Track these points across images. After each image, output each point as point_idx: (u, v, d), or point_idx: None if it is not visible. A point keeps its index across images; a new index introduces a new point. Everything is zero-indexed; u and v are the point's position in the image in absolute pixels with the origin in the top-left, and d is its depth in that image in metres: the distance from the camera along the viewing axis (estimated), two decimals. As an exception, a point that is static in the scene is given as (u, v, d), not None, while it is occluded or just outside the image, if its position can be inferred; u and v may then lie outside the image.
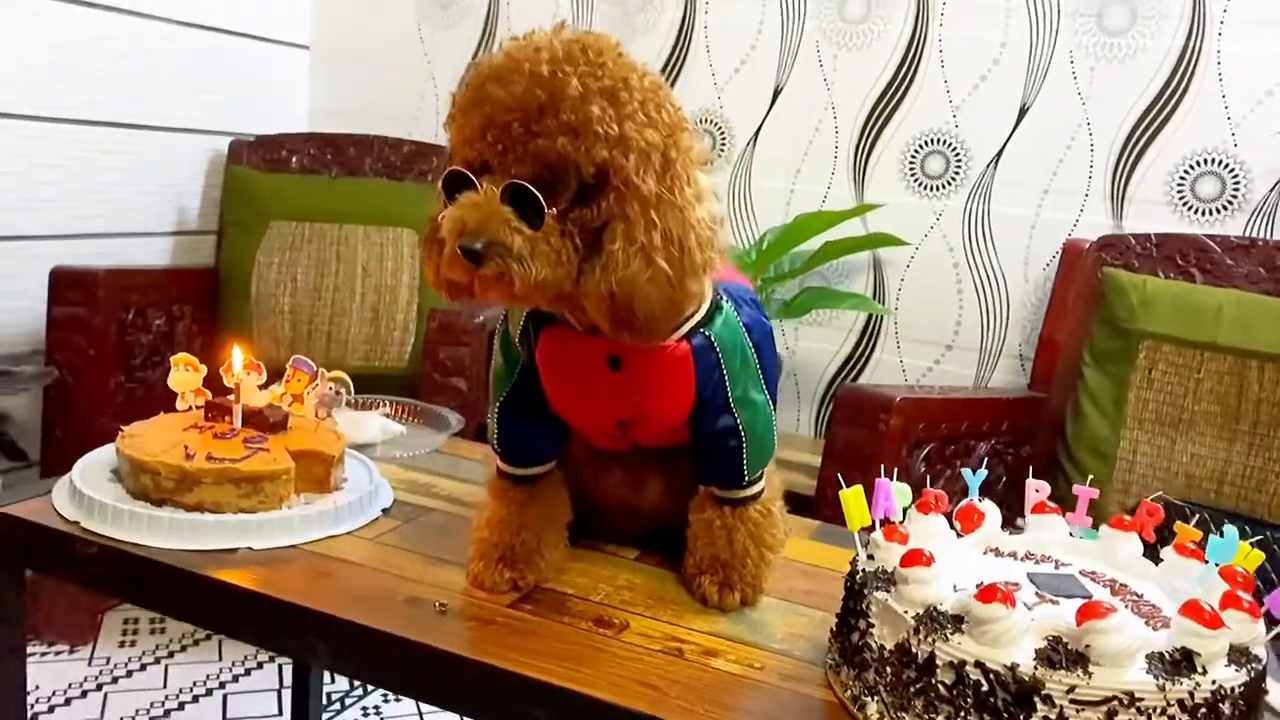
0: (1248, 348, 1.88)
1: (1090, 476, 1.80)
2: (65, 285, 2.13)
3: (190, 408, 1.12)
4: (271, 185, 2.56)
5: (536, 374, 0.90)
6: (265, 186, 2.56)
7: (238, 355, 1.08)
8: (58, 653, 2.11)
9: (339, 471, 1.10)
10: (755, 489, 0.95)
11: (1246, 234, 2.11)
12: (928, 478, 1.87)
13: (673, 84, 2.55)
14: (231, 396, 1.10)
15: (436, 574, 0.96)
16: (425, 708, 2.07)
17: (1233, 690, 0.71)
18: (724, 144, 2.53)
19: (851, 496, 0.86)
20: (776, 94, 2.48)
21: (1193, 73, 2.13)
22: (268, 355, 2.51)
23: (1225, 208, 2.14)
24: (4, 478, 2.02)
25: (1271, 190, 2.10)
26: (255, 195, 2.54)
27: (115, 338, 2.21)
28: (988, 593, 0.72)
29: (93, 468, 1.06)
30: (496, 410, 0.93)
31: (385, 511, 1.09)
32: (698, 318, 0.88)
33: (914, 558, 0.77)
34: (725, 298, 0.91)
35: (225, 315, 2.48)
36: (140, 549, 0.94)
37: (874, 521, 0.86)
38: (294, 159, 2.65)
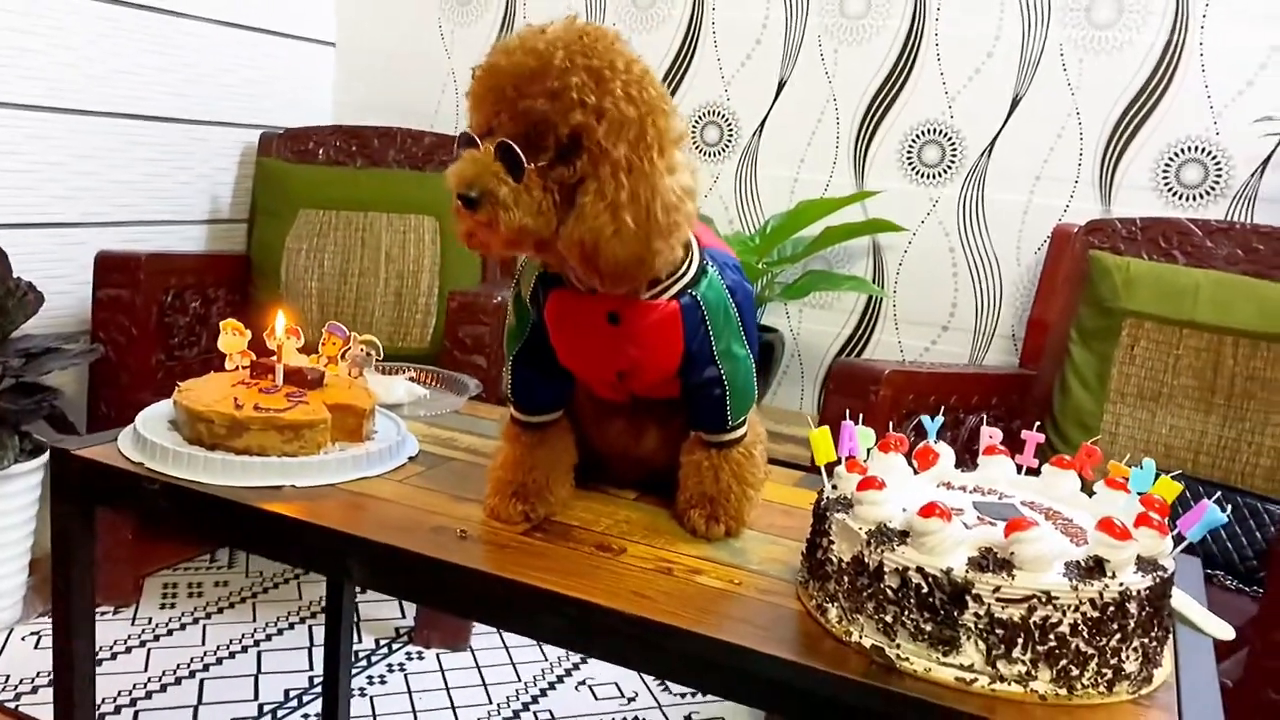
0: (1224, 325, 1.99)
1: (1039, 434, 1.90)
2: (110, 268, 2.27)
3: (237, 367, 1.25)
4: (300, 175, 2.70)
5: (545, 330, 1.02)
6: (294, 177, 2.69)
7: (280, 320, 1.21)
8: (103, 613, 2.26)
9: (370, 424, 1.22)
10: (738, 433, 1.07)
11: (1228, 218, 2.21)
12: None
13: (681, 77, 2.68)
14: (274, 358, 1.23)
15: (458, 509, 1.09)
16: (446, 664, 2.20)
17: (1138, 593, 0.83)
18: (731, 135, 2.65)
19: (819, 436, 0.98)
20: (781, 86, 2.59)
21: (1177, 64, 2.24)
22: (297, 336, 2.66)
23: (1208, 193, 2.24)
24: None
25: (1252, 176, 2.20)
26: (284, 185, 2.67)
27: (155, 318, 2.35)
28: (928, 509, 0.84)
29: (152, 419, 1.19)
30: (510, 363, 1.05)
31: (412, 459, 1.22)
32: (686, 279, 1.00)
33: (868, 483, 0.89)
34: (711, 263, 1.04)
35: (257, 299, 2.62)
36: (199, 485, 1.07)
37: (839, 458, 0.98)
38: (321, 150, 2.78)
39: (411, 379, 1.45)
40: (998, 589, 0.81)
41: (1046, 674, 0.82)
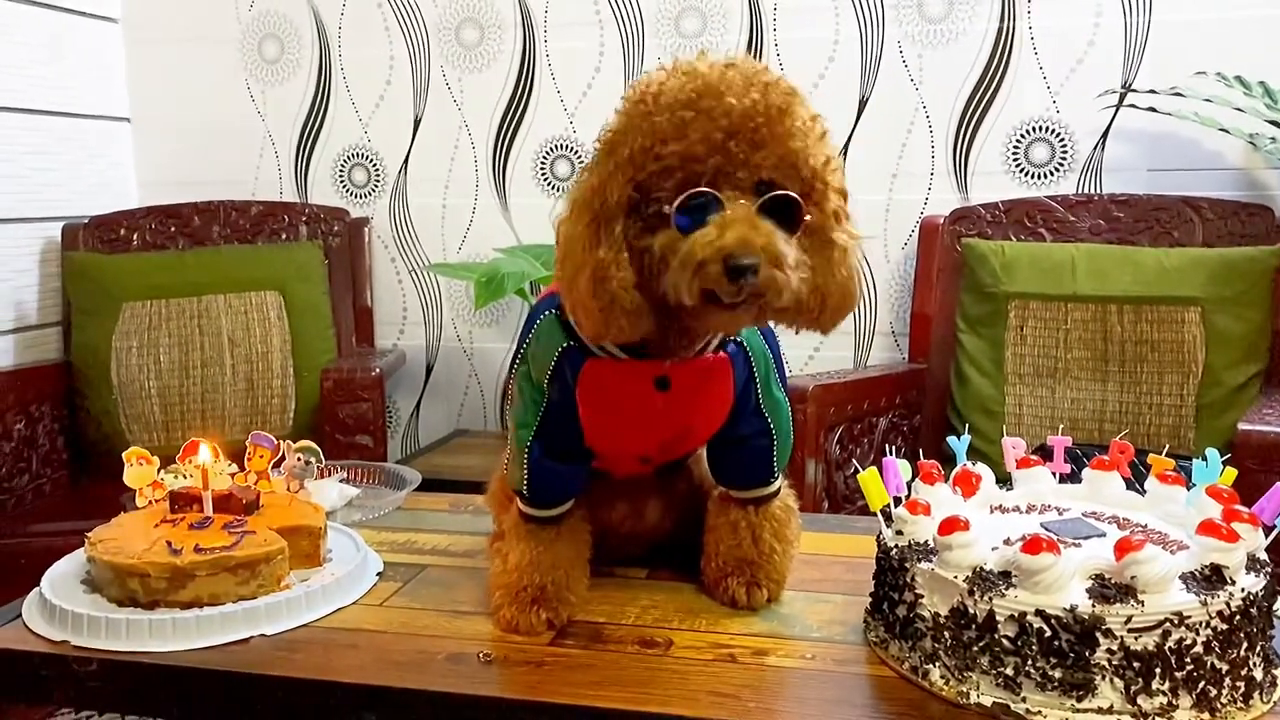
0: (1106, 294, 2.03)
1: (966, 426, 1.90)
2: (-88, 402, 1.96)
3: (151, 502, 1.06)
4: (116, 266, 2.43)
5: (566, 412, 0.90)
6: (110, 268, 2.42)
7: (204, 448, 1.04)
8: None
9: (325, 543, 1.06)
10: (778, 484, 0.98)
11: (1080, 191, 2.28)
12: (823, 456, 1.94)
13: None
14: (194, 483, 1.05)
15: (462, 626, 0.94)
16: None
17: (1258, 595, 0.78)
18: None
19: (869, 478, 0.90)
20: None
21: (1011, 49, 2.29)
22: (140, 443, 2.38)
23: (1057, 169, 2.31)
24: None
25: (1094, 149, 2.28)
26: (101, 279, 2.40)
27: (-27, 450, 2.06)
28: (1033, 545, 0.77)
29: (61, 581, 0.99)
30: (526, 455, 0.92)
31: (379, 575, 1.06)
32: None
33: (952, 524, 0.81)
34: None
35: (88, 408, 2.34)
36: (147, 657, 0.88)
37: (894, 499, 0.90)
38: (135, 236, 2.53)
39: (343, 479, 1.29)
40: (1129, 619, 0.74)
41: (1187, 700, 0.76)
